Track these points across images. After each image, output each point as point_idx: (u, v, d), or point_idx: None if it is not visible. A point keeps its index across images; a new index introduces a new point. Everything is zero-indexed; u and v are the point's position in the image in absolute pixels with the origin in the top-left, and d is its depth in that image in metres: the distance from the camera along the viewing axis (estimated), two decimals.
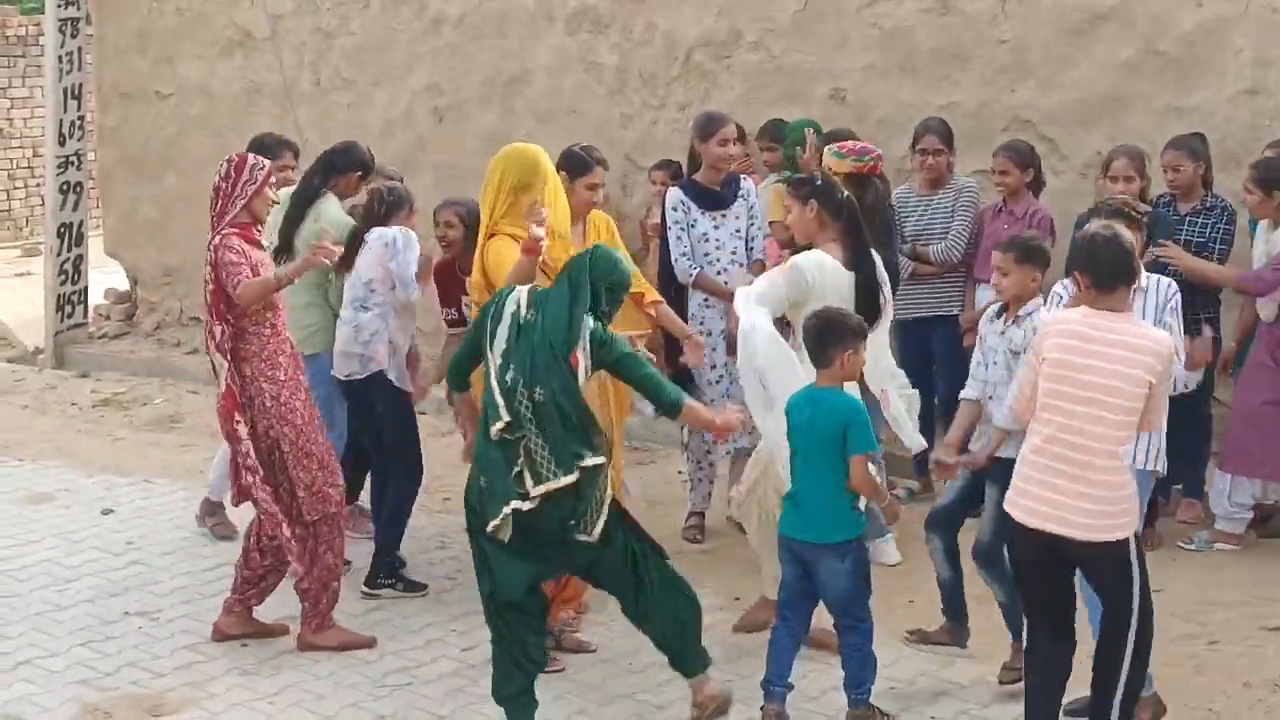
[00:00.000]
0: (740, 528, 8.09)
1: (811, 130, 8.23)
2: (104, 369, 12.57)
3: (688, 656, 5.75)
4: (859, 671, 5.70)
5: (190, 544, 8.02)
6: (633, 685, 6.23)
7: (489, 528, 5.49)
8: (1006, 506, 5.28)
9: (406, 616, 7.02)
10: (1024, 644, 5.54)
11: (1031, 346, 5.39)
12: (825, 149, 7.52)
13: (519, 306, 5.66)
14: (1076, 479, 5.08)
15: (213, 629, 6.73)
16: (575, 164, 6.98)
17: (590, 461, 5.47)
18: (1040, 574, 5.28)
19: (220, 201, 6.48)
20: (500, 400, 5.51)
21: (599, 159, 7.07)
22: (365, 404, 7.35)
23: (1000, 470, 5.76)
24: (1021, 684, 5.75)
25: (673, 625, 5.69)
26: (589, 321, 5.60)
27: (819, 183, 6.63)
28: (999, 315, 6.06)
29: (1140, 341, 5.08)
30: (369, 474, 7.65)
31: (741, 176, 8.01)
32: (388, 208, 7.36)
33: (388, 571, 7.29)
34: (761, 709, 5.73)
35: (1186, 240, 7.67)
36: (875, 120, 9.32)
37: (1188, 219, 7.78)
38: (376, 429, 7.38)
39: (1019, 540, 5.28)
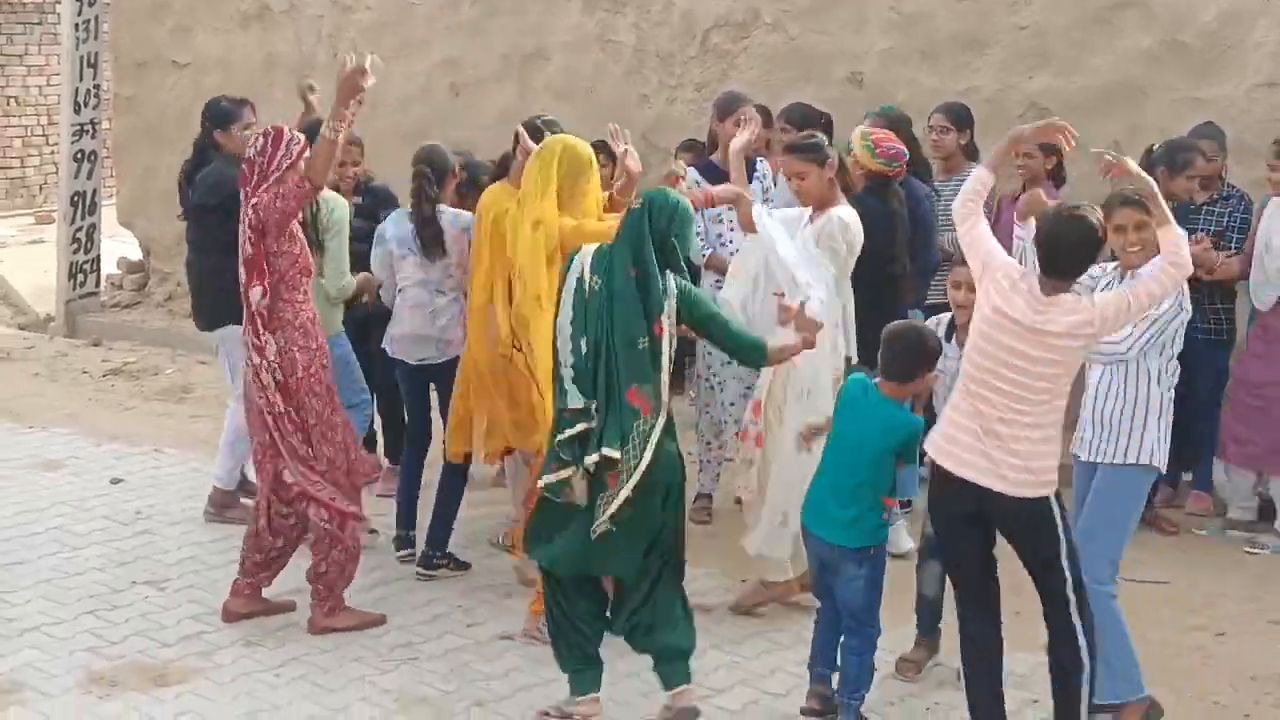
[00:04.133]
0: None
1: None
2: (115, 338, 12.58)
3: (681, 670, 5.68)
4: (856, 676, 5.60)
5: (199, 515, 8.01)
6: (637, 664, 6.23)
7: (542, 482, 5.47)
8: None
9: (412, 592, 7.02)
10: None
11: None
12: (859, 137, 7.36)
13: (584, 272, 5.54)
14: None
15: (223, 610, 6.68)
16: (532, 136, 6.81)
17: (610, 452, 5.35)
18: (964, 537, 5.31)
19: (254, 175, 6.38)
20: (571, 373, 5.47)
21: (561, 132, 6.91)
22: (430, 387, 7.39)
23: None
24: (916, 675, 6.01)
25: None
26: (671, 282, 5.49)
27: (829, 145, 6.68)
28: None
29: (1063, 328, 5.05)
30: (416, 455, 7.61)
31: (758, 159, 7.98)
32: (437, 180, 7.22)
33: (441, 553, 7.27)
34: (808, 691, 5.73)
35: (1204, 229, 7.67)
36: (893, 104, 9.28)
37: (1204, 208, 7.78)
38: (444, 409, 7.34)
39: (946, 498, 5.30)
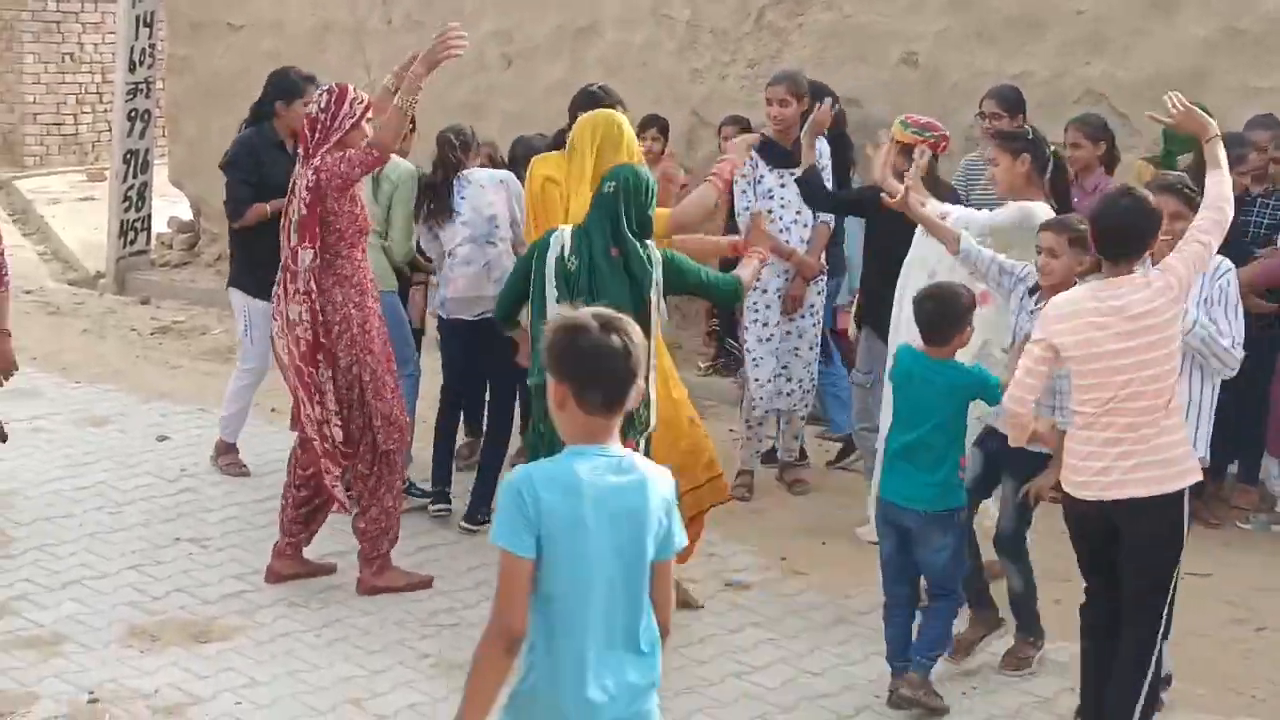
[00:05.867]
0: (790, 487, 8.11)
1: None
2: (164, 297, 12.66)
3: None
4: (935, 637, 5.63)
5: (243, 474, 8.08)
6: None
7: None
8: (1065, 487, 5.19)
9: (455, 558, 7.05)
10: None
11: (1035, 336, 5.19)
12: (897, 121, 7.29)
13: (563, 251, 5.66)
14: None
15: (267, 571, 6.72)
16: (586, 103, 6.84)
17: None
18: (1094, 541, 5.21)
19: (317, 132, 6.36)
20: None
21: (617, 100, 6.95)
22: (481, 343, 7.34)
23: (1018, 463, 5.72)
24: (1028, 670, 5.92)
25: None
26: (654, 252, 5.63)
27: (1030, 137, 6.59)
28: (1031, 294, 5.90)
29: (1148, 304, 4.94)
30: (455, 414, 7.73)
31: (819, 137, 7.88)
32: (462, 148, 7.40)
33: (486, 509, 7.33)
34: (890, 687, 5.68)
35: (1257, 222, 7.61)
36: (947, 86, 9.24)
37: (1259, 200, 7.71)
38: (494, 370, 7.35)
39: (1073, 514, 5.22)
